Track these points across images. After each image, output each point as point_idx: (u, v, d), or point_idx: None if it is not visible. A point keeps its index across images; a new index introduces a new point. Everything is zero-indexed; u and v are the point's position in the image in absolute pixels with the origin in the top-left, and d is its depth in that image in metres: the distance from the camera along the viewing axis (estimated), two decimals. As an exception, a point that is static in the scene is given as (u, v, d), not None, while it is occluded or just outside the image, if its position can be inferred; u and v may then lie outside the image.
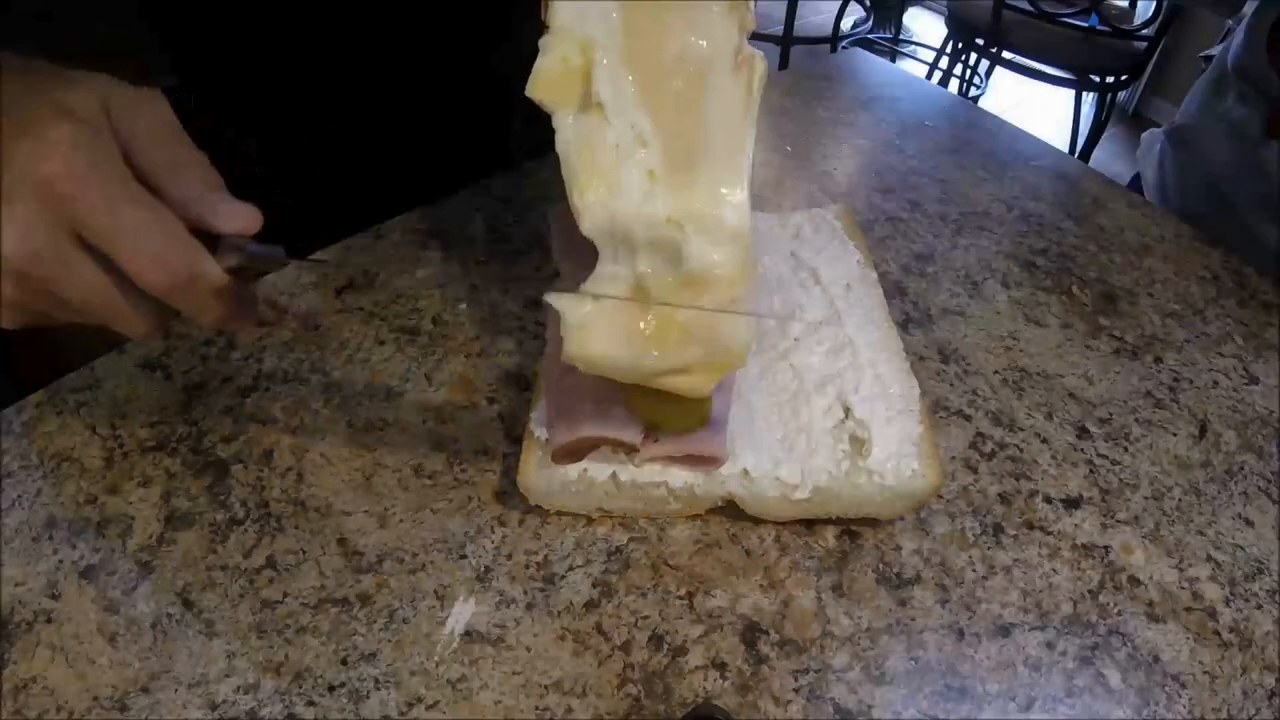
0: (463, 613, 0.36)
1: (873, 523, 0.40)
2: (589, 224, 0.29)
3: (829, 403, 0.40)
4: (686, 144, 0.29)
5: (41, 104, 0.27)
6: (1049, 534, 0.41)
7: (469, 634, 0.36)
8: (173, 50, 0.54)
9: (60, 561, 0.37)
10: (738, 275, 0.30)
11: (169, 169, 0.29)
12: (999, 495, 0.42)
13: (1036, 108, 2.78)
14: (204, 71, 0.47)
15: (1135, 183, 0.84)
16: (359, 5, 0.56)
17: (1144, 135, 0.83)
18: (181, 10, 0.51)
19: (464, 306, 0.51)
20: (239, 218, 0.30)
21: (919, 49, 2.76)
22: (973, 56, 2.24)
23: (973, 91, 2.42)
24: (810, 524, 0.40)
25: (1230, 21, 0.76)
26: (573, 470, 0.38)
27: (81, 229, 0.27)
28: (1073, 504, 0.42)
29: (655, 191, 0.29)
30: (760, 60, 0.30)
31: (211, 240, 0.30)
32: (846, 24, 2.69)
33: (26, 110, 0.27)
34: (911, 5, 2.95)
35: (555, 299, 0.30)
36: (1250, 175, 0.67)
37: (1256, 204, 0.67)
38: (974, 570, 0.39)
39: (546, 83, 0.29)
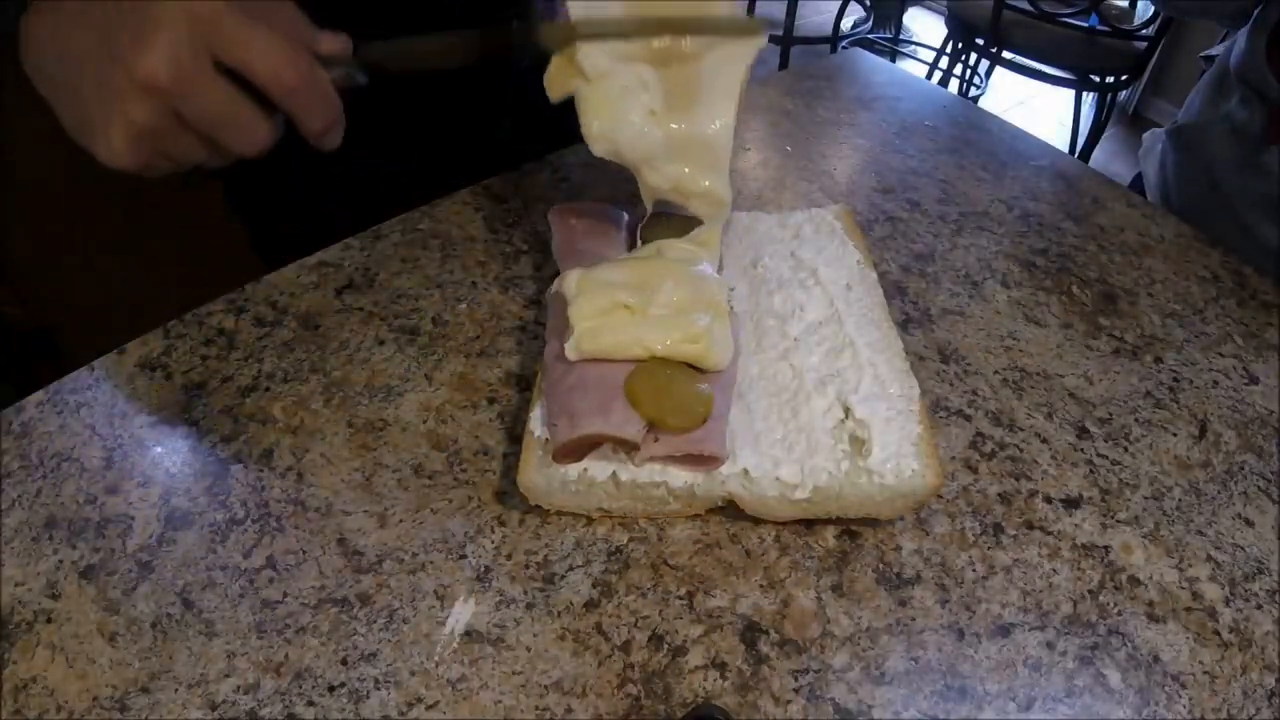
0: (463, 613, 0.36)
1: (873, 523, 0.40)
2: (598, 150, 0.41)
3: (829, 403, 0.40)
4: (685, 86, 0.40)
5: None
6: (1049, 534, 0.41)
7: (469, 634, 0.36)
8: None
9: (60, 561, 0.37)
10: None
11: (270, 12, 0.34)
12: (999, 495, 0.42)
13: (1036, 108, 2.78)
14: None
15: (1136, 183, 0.84)
16: (360, 5, 0.56)
17: (1145, 135, 0.83)
18: None
19: (464, 306, 0.51)
20: (334, 42, 0.36)
21: (919, 49, 2.76)
22: (973, 56, 2.24)
23: (973, 91, 2.42)
24: (810, 524, 0.40)
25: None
26: (573, 470, 0.38)
27: (220, 48, 0.31)
28: (1073, 504, 0.42)
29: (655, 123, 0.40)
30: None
31: None
32: (846, 24, 2.69)
33: None
34: (911, 5, 2.95)
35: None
36: (1251, 176, 0.67)
37: (1257, 204, 0.67)
38: (974, 570, 0.39)
39: (550, 78, 0.41)
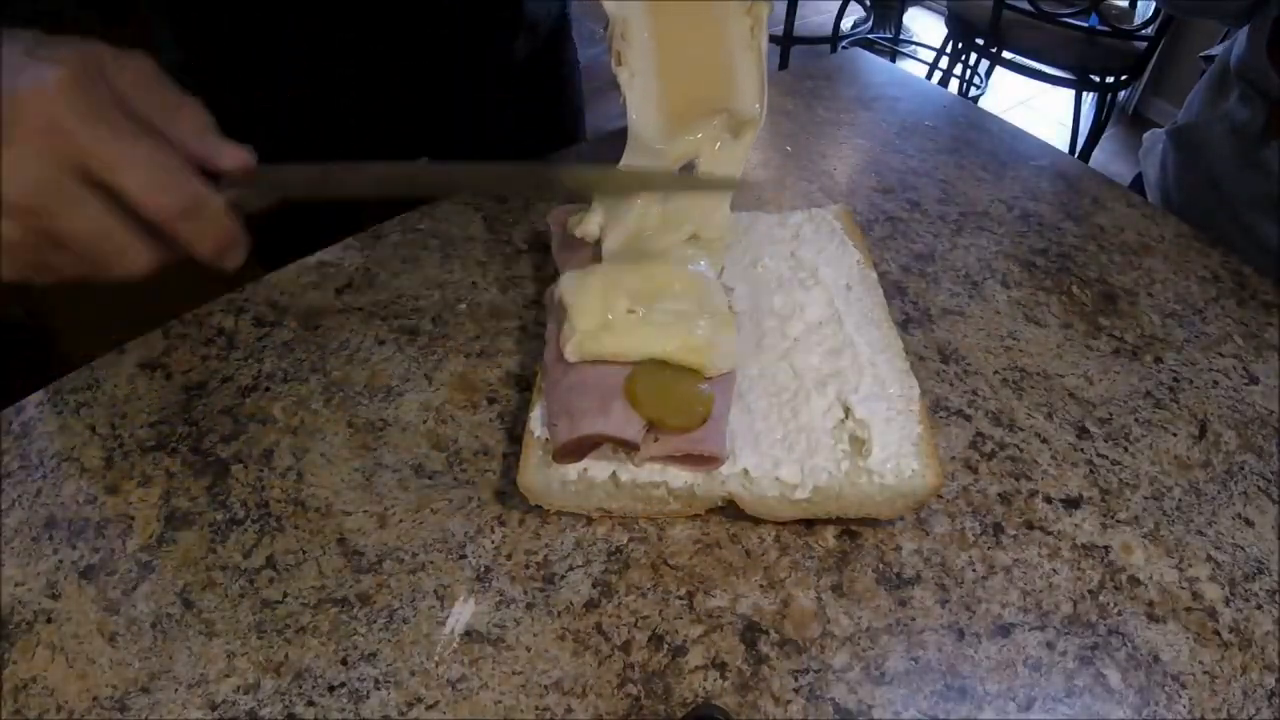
0: (463, 613, 0.36)
1: (873, 523, 0.40)
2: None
3: (829, 403, 0.40)
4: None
5: (37, 56, 0.28)
6: (1049, 534, 0.41)
7: (469, 634, 0.36)
8: (173, 50, 0.54)
9: (60, 561, 0.37)
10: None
11: (162, 111, 0.30)
12: (999, 495, 0.42)
13: (1036, 108, 2.78)
14: (204, 72, 0.47)
15: (1136, 182, 0.84)
16: (360, 6, 0.56)
17: (1146, 135, 0.83)
18: (178, 5, 0.51)
19: (464, 306, 0.51)
20: (235, 156, 0.32)
21: (919, 49, 2.76)
22: (973, 56, 2.24)
23: (973, 91, 2.41)
24: (810, 524, 0.40)
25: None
26: (573, 470, 0.38)
27: (86, 163, 0.28)
28: (1073, 504, 0.42)
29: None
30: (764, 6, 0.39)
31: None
32: (846, 24, 2.69)
33: (21, 60, 0.28)
34: (911, 5, 2.95)
35: None
36: (1251, 174, 0.67)
37: (1257, 203, 0.67)
38: (974, 570, 0.39)
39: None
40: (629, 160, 0.41)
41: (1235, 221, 0.69)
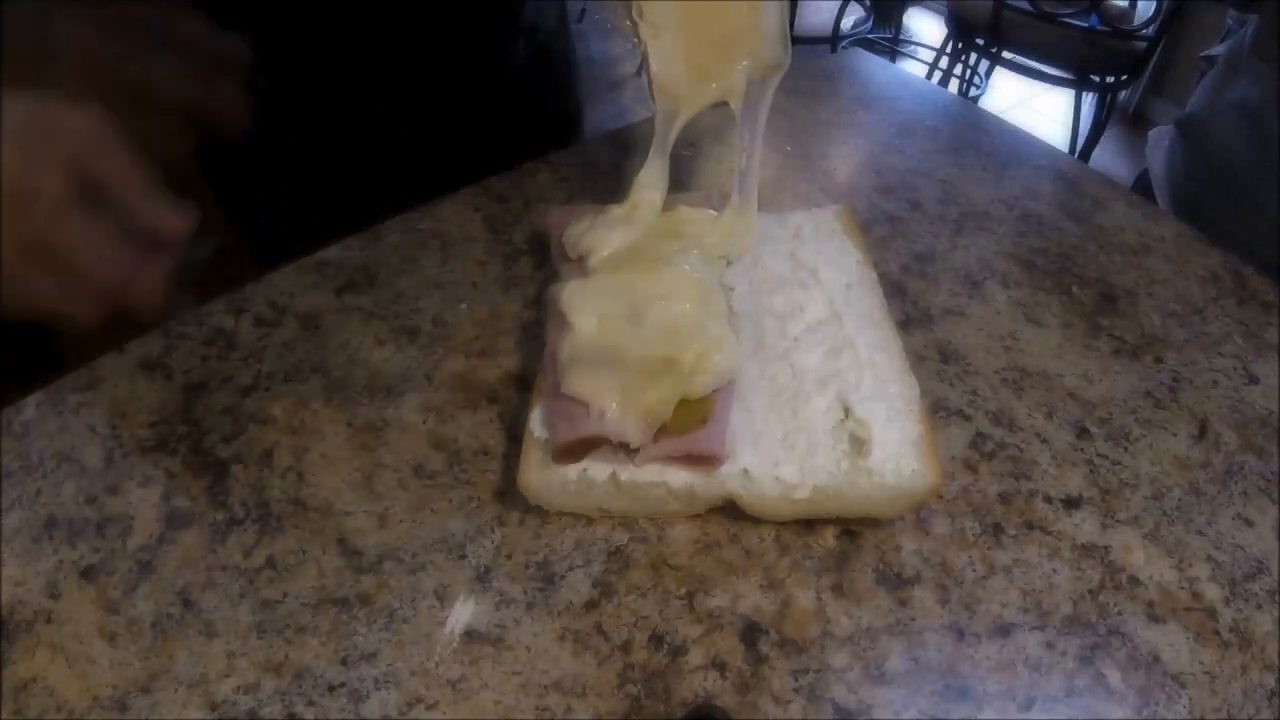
0: (463, 613, 0.36)
1: (873, 523, 0.40)
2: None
3: (829, 403, 0.40)
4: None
5: None
6: (1049, 534, 0.41)
7: (469, 634, 0.36)
8: None
9: (60, 561, 0.37)
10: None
11: (111, 172, 0.32)
12: (999, 495, 0.42)
13: (1036, 108, 2.78)
14: None
15: (1139, 182, 0.85)
16: (361, 6, 0.56)
17: (1151, 132, 0.83)
18: None
19: (464, 306, 0.51)
20: (174, 222, 0.34)
21: (919, 49, 2.76)
22: (973, 56, 2.24)
23: (973, 91, 2.42)
24: (810, 524, 0.40)
25: (1231, 22, 0.76)
26: (573, 470, 0.38)
27: (29, 238, 0.30)
28: (1073, 504, 0.42)
29: None
30: None
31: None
32: (846, 24, 2.69)
33: None
34: (911, 5, 2.95)
35: None
36: (1262, 153, 0.67)
37: (1268, 181, 0.67)
38: (974, 570, 0.39)
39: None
40: (659, 106, 0.43)
41: (1246, 203, 0.69)
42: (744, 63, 0.42)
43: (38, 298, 0.32)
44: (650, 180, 0.45)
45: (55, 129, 0.31)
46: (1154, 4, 1.95)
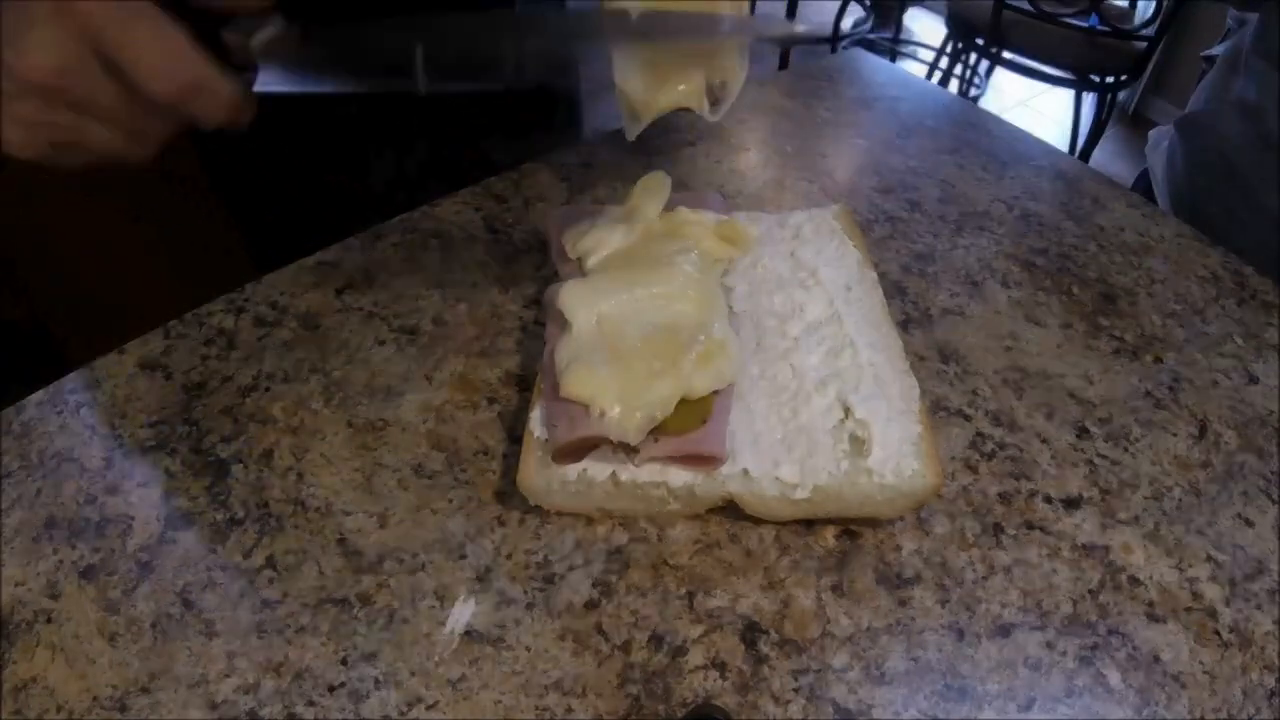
0: (463, 613, 0.36)
1: (873, 523, 0.40)
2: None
3: (829, 403, 0.40)
4: None
5: None
6: (1049, 534, 0.41)
7: (469, 634, 0.36)
8: None
9: (60, 561, 0.38)
10: None
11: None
12: (999, 495, 0.42)
13: (1037, 108, 2.78)
14: None
15: (1139, 183, 0.85)
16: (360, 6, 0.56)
17: (1151, 133, 0.83)
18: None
19: (464, 306, 0.51)
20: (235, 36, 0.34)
21: (919, 49, 2.76)
22: (973, 56, 2.24)
23: (973, 91, 2.41)
24: (810, 524, 0.40)
25: (1231, 21, 0.76)
26: (573, 470, 0.38)
27: (103, 46, 0.30)
28: (1073, 504, 0.42)
29: None
30: None
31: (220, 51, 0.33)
32: (846, 24, 2.69)
33: None
34: (911, 5, 2.95)
35: None
36: (1265, 154, 0.67)
37: (1268, 179, 0.67)
38: (974, 570, 0.39)
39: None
40: (622, 110, 0.45)
41: (1248, 202, 0.69)
42: (700, 71, 0.44)
43: (96, 144, 0.32)
44: (651, 181, 0.45)
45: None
46: (1154, 4, 1.95)
